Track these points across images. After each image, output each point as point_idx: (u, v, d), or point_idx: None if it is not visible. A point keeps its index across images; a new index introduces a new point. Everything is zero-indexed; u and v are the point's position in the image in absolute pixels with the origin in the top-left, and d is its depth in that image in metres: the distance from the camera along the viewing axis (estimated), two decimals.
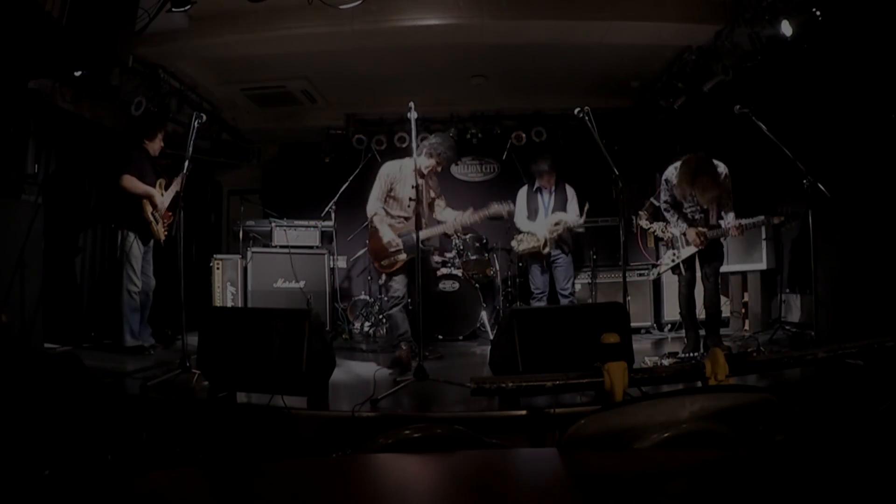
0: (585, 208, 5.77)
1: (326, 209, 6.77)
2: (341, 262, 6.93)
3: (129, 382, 3.87)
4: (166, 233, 5.22)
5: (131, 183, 4.99)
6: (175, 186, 5.08)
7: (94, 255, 5.91)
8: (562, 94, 7.20)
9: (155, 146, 5.28)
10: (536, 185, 5.97)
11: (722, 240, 4.84)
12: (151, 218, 5.06)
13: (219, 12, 5.23)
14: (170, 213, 5.23)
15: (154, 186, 5.14)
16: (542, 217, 5.89)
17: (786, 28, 4.51)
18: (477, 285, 6.16)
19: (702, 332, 5.01)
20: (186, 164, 4.21)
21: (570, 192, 5.92)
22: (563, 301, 5.70)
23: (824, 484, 1.00)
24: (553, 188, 5.90)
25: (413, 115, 4.12)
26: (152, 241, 5.23)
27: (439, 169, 4.92)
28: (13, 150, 4.92)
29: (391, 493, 1.02)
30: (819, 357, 3.12)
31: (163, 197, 5.17)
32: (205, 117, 4.25)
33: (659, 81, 6.64)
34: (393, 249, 4.68)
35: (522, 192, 6.05)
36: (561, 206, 5.85)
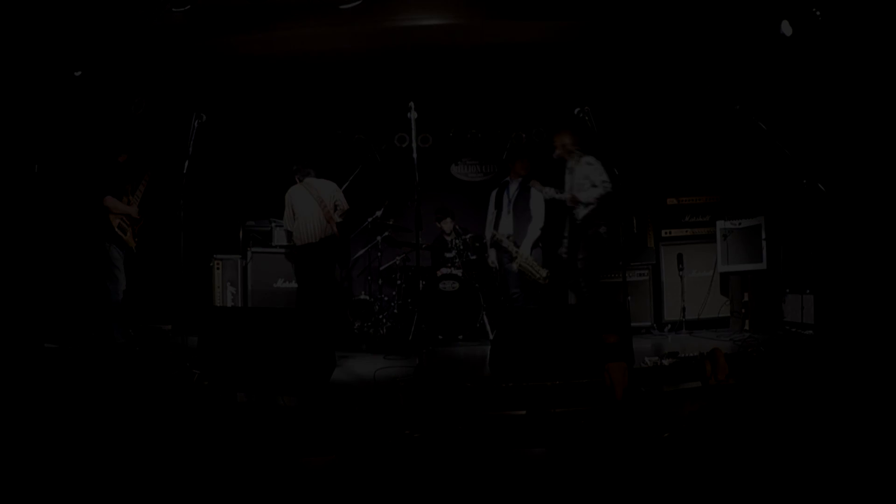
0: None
1: None
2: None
3: (129, 382, 3.86)
4: (136, 240, 5.36)
5: (113, 203, 5.20)
6: (141, 188, 5.37)
7: (93, 258, 5.92)
8: (562, 93, 7.21)
9: (123, 157, 5.43)
10: (506, 178, 6.02)
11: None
12: (119, 232, 5.22)
13: (219, 12, 5.25)
14: (141, 218, 5.38)
15: (123, 197, 5.28)
16: (504, 214, 5.88)
17: (785, 28, 4.53)
18: (477, 285, 6.16)
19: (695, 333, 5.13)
20: (187, 163, 4.22)
21: (537, 195, 5.76)
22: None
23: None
24: (520, 181, 5.85)
25: (413, 115, 4.13)
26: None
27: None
28: (14, 150, 4.95)
29: (395, 494, 1.03)
30: (819, 356, 3.12)
31: (131, 206, 5.32)
32: (205, 117, 4.25)
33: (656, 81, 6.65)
34: None
35: (492, 196, 6.11)
36: (523, 204, 5.77)
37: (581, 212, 5.30)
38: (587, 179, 5.21)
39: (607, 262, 5.57)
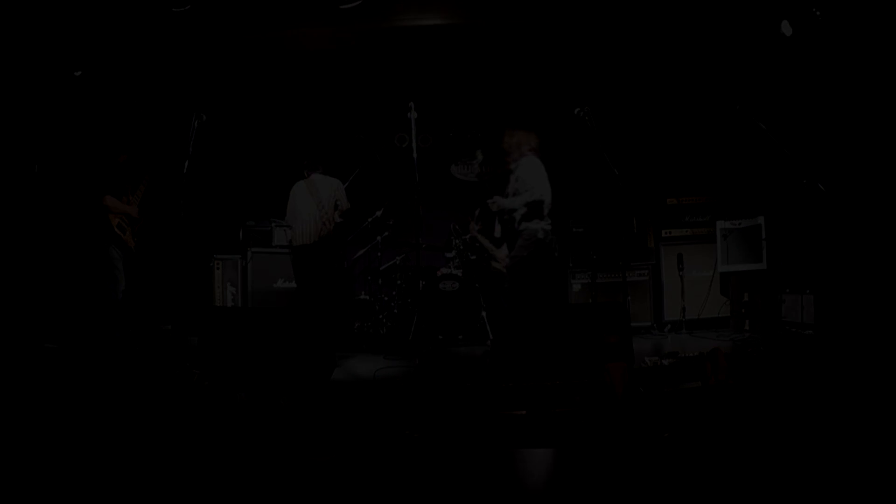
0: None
1: None
2: None
3: (129, 382, 3.86)
4: (135, 240, 5.37)
5: (112, 203, 5.20)
6: (142, 188, 5.39)
7: (92, 258, 5.93)
8: (562, 93, 7.21)
9: (123, 157, 5.44)
10: None
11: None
12: (119, 232, 5.23)
13: (218, 12, 5.25)
14: (140, 218, 5.40)
15: (122, 196, 5.28)
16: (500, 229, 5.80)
17: (785, 28, 4.53)
18: (477, 285, 6.16)
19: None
20: (187, 163, 4.22)
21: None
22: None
23: None
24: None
25: (413, 115, 4.13)
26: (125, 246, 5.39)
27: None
28: (14, 150, 4.96)
29: (395, 494, 1.03)
30: (819, 356, 3.12)
31: (130, 205, 5.33)
32: (205, 117, 4.26)
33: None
34: None
35: None
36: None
37: (516, 215, 4.98)
38: (522, 184, 4.93)
39: (544, 268, 5.14)
